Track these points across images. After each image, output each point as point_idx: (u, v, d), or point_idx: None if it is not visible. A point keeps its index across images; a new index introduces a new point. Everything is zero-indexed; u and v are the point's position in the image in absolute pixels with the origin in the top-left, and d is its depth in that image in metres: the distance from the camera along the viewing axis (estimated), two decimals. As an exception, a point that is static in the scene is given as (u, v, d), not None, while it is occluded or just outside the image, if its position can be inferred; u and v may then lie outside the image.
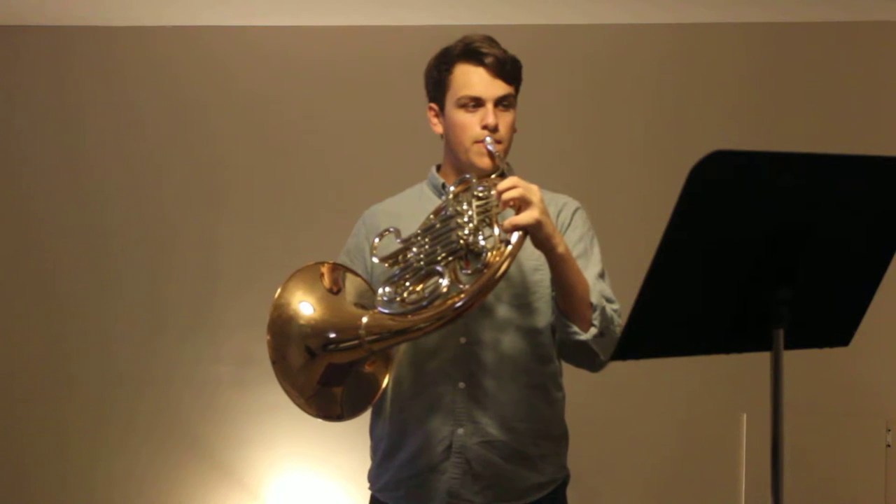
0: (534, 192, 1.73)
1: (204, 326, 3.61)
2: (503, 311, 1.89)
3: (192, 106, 3.69)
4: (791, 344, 1.44)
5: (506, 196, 1.72)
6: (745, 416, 3.43)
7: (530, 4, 3.46)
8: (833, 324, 1.55)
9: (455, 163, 1.95)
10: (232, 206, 3.66)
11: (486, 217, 1.76)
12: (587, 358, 1.84)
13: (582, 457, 3.45)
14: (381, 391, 1.90)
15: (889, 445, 3.37)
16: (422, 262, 1.78)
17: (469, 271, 1.71)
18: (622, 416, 3.51)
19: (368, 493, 2.02)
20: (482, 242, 1.72)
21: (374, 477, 2.01)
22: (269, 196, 3.65)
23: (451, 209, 1.80)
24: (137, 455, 3.58)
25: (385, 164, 3.56)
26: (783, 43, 3.58)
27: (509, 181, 1.73)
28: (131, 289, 3.65)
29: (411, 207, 1.97)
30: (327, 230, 3.60)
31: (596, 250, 1.95)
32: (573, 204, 2.00)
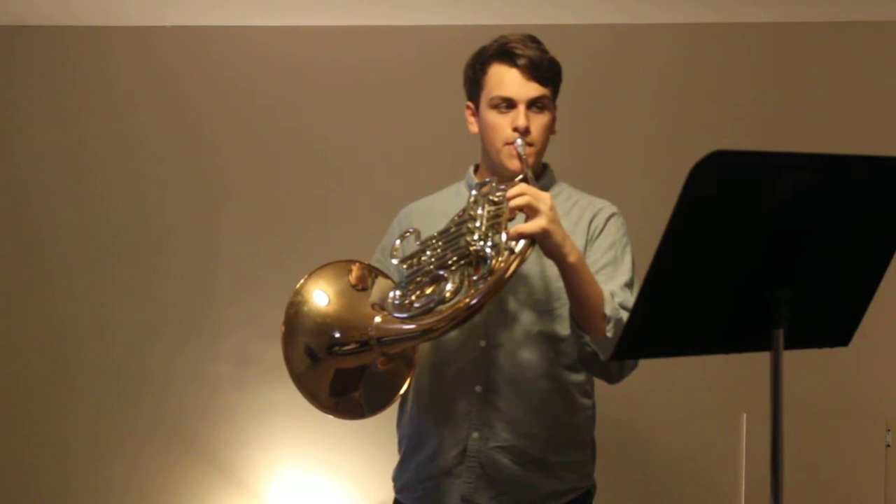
0: (543, 200, 1.70)
1: (204, 326, 3.61)
2: (526, 316, 1.87)
3: (192, 106, 3.69)
4: (791, 344, 1.44)
5: (513, 203, 1.71)
6: (745, 416, 3.43)
7: (530, 4, 3.46)
8: (833, 324, 1.55)
9: (489, 163, 1.95)
10: (232, 206, 3.66)
11: (496, 222, 1.74)
12: (601, 369, 1.83)
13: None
14: (401, 391, 1.89)
15: (889, 445, 3.36)
16: (432, 266, 1.77)
17: (477, 277, 1.70)
18: (621, 416, 3.50)
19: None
20: (488, 249, 1.70)
21: (396, 476, 2.00)
22: (269, 196, 3.65)
23: (467, 213, 1.79)
24: (137, 455, 3.57)
25: (385, 164, 3.55)
26: (784, 43, 3.57)
27: (518, 188, 1.72)
28: (131, 289, 3.65)
29: (446, 207, 1.96)
30: (327, 230, 3.61)
31: (627, 259, 1.92)
32: (609, 210, 1.97)
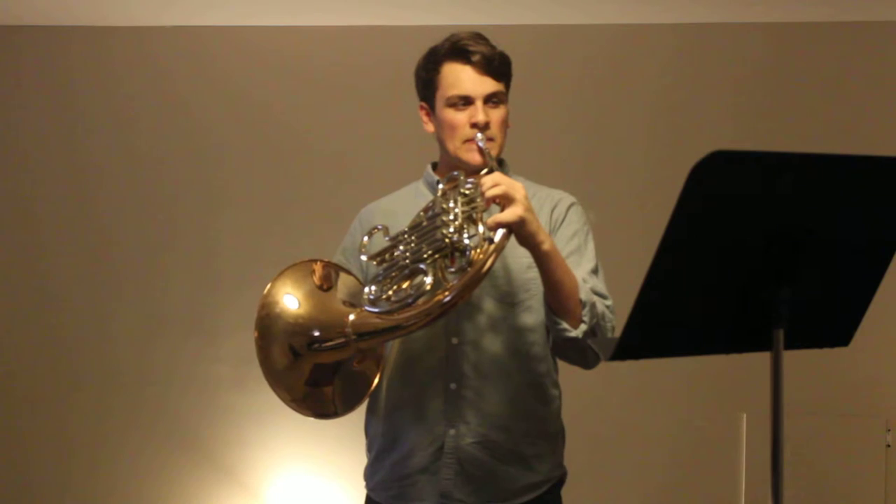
0: (517, 189, 1.72)
1: (204, 326, 3.61)
2: (496, 309, 1.89)
3: (191, 106, 3.69)
4: (791, 344, 1.44)
5: (489, 193, 1.72)
6: (745, 416, 3.43)
7: (530, 4, 3.46)
8: (833, 324, 1.55)
9: (448, 161, 1.96)
10: (231, 207, 3.66)
11: (472, 215, 1.75)
12: (579, 355, 1.84)
13: (581, 456, 3.45)
14: (373, 387, 1.91)
15: (889, 445, 3.36)
16: (407, 261, 1.79)
17: (454, 269, 1.71)
18: (622, 416, 3.51)
19: (367, 492, 2.03)
20: (466, 241, 1.72)
21: (368, 475, 2.01)
22: (269, 196, 3.65)
23: (438, 207, 1.80)
24: (138, 455, 3.58)
25: (385, 163, 3.55)
26: (783, 43, 3.58)
27: (492, 178, 1.73)
28: (131, 289, 3.65)
29: (407, 205, 1.97)
30: (327, 230, 3.59)
31: (590, 246, 1.94)
32: (568, 199, 1.99)
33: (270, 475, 3.55)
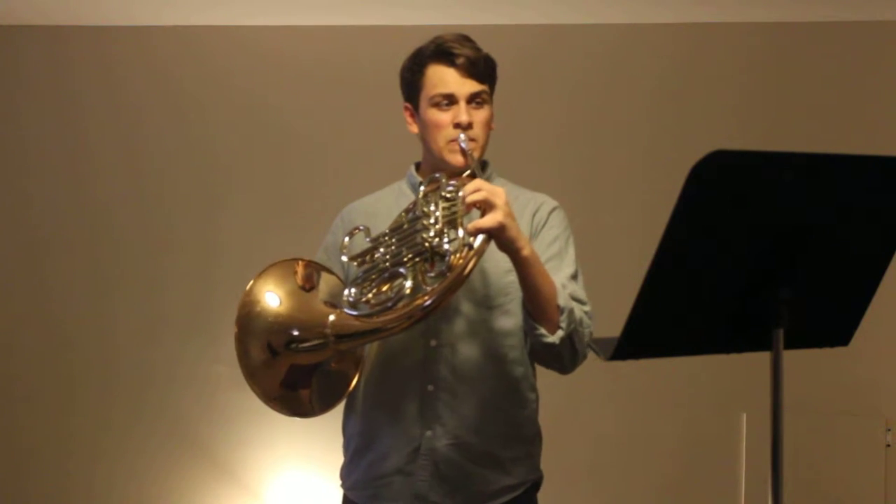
0: (498, 195, 1.72)
1: (204, 326, 3.61)
2: (475, 313, 1.89)
3: (192, 105, 3.69)
4: (791, 344, 1.44)
5: (470, 199, 1.72)
6: (745, 416, 3.43)
7: (530, 4, 3.46)
8: (833, 324, 1.55)
9: (431, 161, 1.96)
10: (232, 206, 3.66)
11: (452, 219, 1.75)
12: (555, 360, 1.83)
13: (582, 456, 3.46)
14: (351, 387, 1.91)
15: (889, 445, 3.36)
16: (387, 263, 1.79)
17: (433, 273, 1.71)
18: (622, 416, 3.51)
19: (343, 491, 2.04)
20: (446, 245, 1.71)
21: (344, 474, 2.03)
22: (269, 196, 3.65)
23: (419, 209, 1.80)
24: (138, 455, 3.58)
25: (385, 163, 3.54)
26: (783, 43, 3.58)
27: (474, 184, 1.73)
28: (131, 289, 3.65)
29: (389, 205, 1.98)
30: (328, 230, 3.61)
31: (571, 251, 1.94)
32: (550, 203, 1.99)
33: (270, 475, 3.54)
